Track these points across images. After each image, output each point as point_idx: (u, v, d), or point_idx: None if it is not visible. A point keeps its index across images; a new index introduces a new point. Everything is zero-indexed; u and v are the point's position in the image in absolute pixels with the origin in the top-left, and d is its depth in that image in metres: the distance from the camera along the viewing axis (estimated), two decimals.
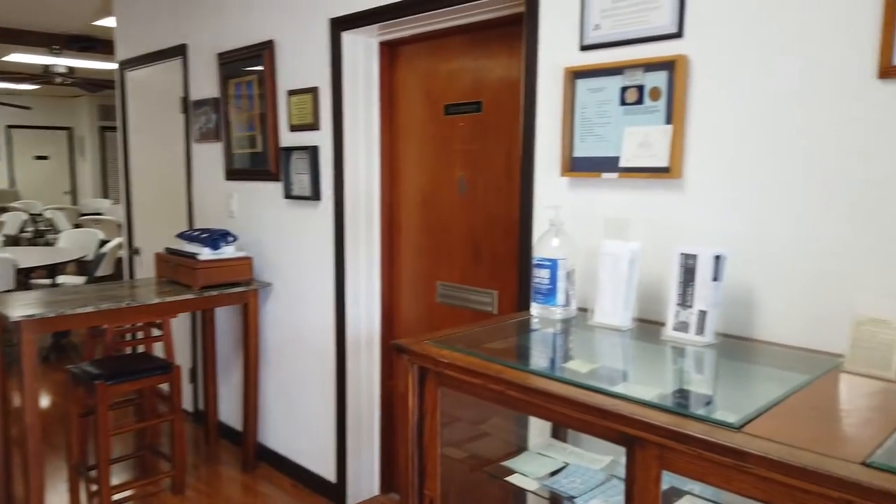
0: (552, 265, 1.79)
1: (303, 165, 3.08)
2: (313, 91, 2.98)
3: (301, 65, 3.05)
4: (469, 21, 2.47)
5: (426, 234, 2.86)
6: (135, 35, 4.34)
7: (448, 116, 2.70)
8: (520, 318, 1.93)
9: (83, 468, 3.10)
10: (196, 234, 3.34)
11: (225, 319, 3.74)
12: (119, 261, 5.86)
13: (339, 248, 2.96)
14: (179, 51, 3.85)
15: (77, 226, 8.71)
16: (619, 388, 1.33)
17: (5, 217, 9.26)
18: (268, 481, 3.38)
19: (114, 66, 4.64)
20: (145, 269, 4.43)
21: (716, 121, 1.72)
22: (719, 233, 1.73)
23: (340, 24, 2.81)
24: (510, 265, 2.48)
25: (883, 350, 1.32)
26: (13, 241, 8.28)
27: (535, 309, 1.84)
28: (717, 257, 1.57)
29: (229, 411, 3.80)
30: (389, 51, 2.91)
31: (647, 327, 1.76)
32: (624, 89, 1.87)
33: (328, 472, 3.17)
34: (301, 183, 3.10)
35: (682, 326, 1.61)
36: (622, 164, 1.88)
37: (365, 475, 3.12)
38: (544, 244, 1.83)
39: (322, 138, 2.99)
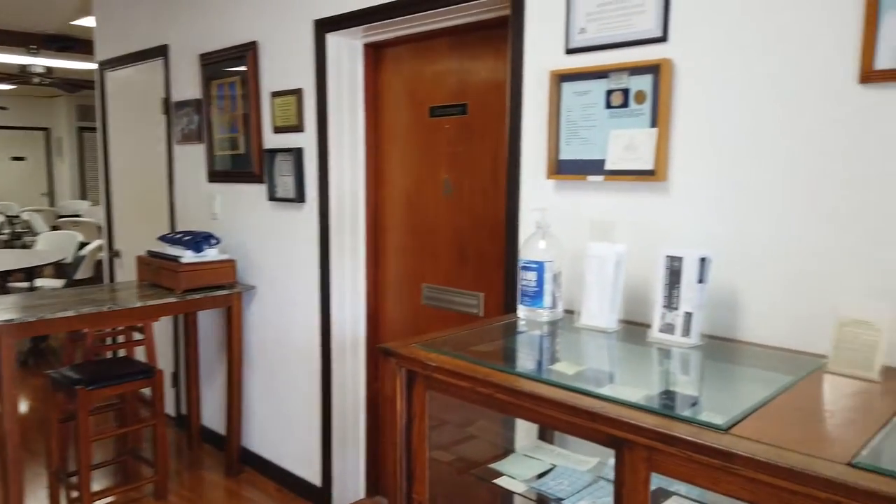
0: (539, 268, 1.79)
1: (287, 167, 3.06)
2: (297, 93, 2.96)
3: (285, 66, 3.03)
4: (454, 23, 2.47)
5: (411, 236, 2.86)
6: (115, 35, 4.28)
7: (433, 118, 2.70)
8: (507, 321, 1.93)
9: (63, 474, 3.05)
10: (178, 236, 3.30)
11: (208, 323, 3.71)
12: (99, 263, 5.79)
13: (324, 251, 2.95)
14: (161, 51, 3.81)
15: (55, 228, 8.59)
16: (605, 390, 1.33)
17: None
18: (252, 486, 3.36)
19: (93, 66, 4.59)
20: (126, 272, 4.38)
21: (700, 124, 1.74)
22: (704, 235, 1.74)
23: (325, 26, 2.79)
24: (496, 267, 2.48)
25: (865, 351, 1.34)
26: None
27: (522, 311, 1.84)
28: (703, 259, 1.58)
29: (212, 415, 3.77)
30: (374, 52, 2.90)
31: (634, 329, 1.77)
32: (609, 92, 1.88)
33: (313, 476, 3.15)
34: (285, 185, 3.08)
35: (668, 328, 1.62)
36: (608, 166, 1.89)
37: (350, 478, 3.11)
38: (531, 247, 1.83)
39: (306, 140, 2.97)
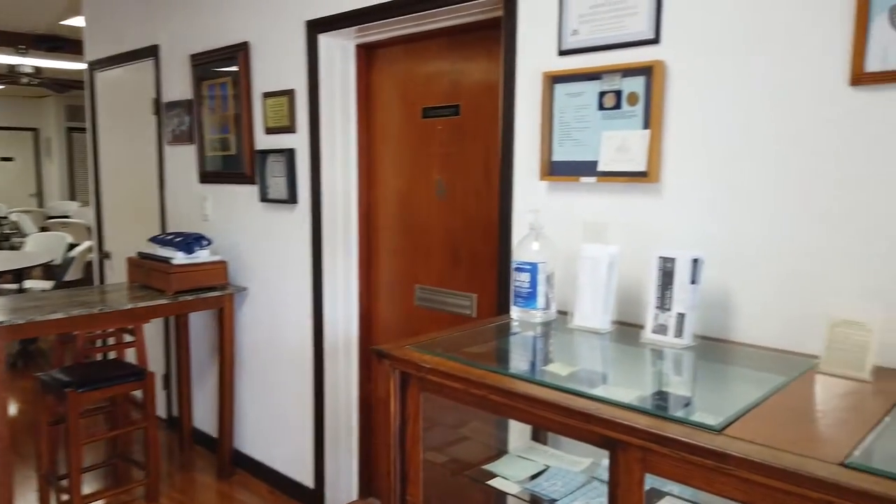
0: (532, 269, 1.80)
1: (279, 168, 3.05)
2: (289, 93, 2.95)
3: (277, 67, 3.02)
4: (447, 25, 2.47)
5: (404, 237, 2.86)
6: (104, 35, 4.26)
7: (426, 119, 2.70)
8: (500, 322, 1.93)
9: (53, 478, 3.03)
10: (170, 237, 3.29)
11: (200, 324, 3.69)
12: (88, 265, 5.75)
13: (317, 252, 2.94)
14: (151, 52, 3.79)
15: (44, 229, 8.52)
16: (598, 391, 1.34)
17: None
18: (244, 488, 3.34)
19: (82, 66, 4.56)
20: (116, 273, 4.35)
21: (693, 125, 1.75)
22: (696, 236, 1.75)
23: (317, 27, 2.79)
24: (489, 268, 2.48)
25: (857, 351, 1.35)
26: None
27: (516, 312, 1.85)
28: (695, 260, 1.59)
29: (204, 417, 3.75)
30: (367, 53, 2.90)
31: (627, 330, 1.77)
32: (602, 94, 1.89)
33: (306, 478, 3.14)
34: (277, 186, 3.07)
35: (661, 329, 1.63)
36: (600, 168, 1.89)
37: (343, 480, 3.10)
38: (524, 248, 1.83)
39: (298, 141, 2.96)
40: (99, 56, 4.32)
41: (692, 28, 1.73)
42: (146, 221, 4.00)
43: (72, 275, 6.01)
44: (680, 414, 1.24)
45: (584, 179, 1.94)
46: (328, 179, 2.89)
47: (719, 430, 1.09)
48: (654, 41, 1.79)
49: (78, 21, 5.10)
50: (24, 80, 7.77)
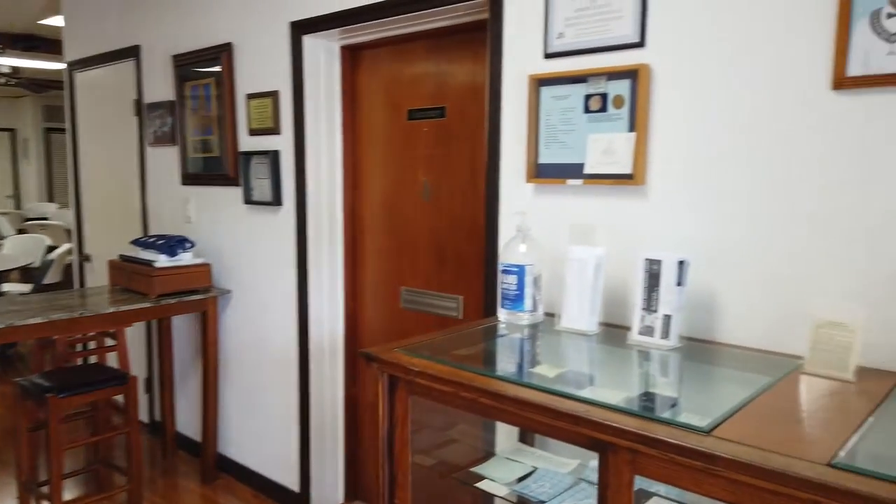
0: (519, 271, 1.80)
1: (263, 170, 3.03)
2: (273, 95, 2.93)
3: (261, 68, 3.00)
4: (432, 27, 2.47)
5: (390, 239, 2.85)
6: (84, 35, 4.20)
7: (411, 121, 2.70)
8: (487, 324, 1.93)
9: (34, 484, 2.98)
10: (152, 240, 3.25)
11: (182, 328, 3.65)
12: (68, 268, 5.67)
13: (302, 254, 2.92)
14: (132, 52, 3.75)
15: (21, 231, 8.39)
16: (586, 393, 1.34)
17: None
18: (229, 493, 3.31)
19: (61, 66, 4.49)
20: (97, 276, 4.29)
21: (678, 128, 1.76)
22: (682, 238, 1.76)
23: (301, 28, 2.77)
24: (475, 270, 2.49)
25: (840, 352, 1.37)
26: None
27: (503, 314, 1.85)
28: (681, 262, 1.60)
29: (188, 422, 3.71)
30: (352, 55, 2.89)
31: (613, 331, 1.78)
32: (588, 97, 1.90)
33: (291, 482, 3.12)
34: (261, 188, 3.05)
35: (648, 330, 1.64)
36: (587, 170, 1.90)
37: (329, 483, 3.08)
38: (511, 250, 1.84)
39: (283, 143, 2.95)
40: (78, 56, 4.26)
41: (677, 32, 1.74)
42: (127, 224, 3.95)
43: (51, 278, 5.92)
44: (668, 415, 1.25)
45: (570, 182, 1.94)
46: (313, 181, 2.88)
47: (707, 432, 1.10)
48: (640, 45, 1.80)
49: (56, 20, 5.03)
50: (1, 80, 7.65)
